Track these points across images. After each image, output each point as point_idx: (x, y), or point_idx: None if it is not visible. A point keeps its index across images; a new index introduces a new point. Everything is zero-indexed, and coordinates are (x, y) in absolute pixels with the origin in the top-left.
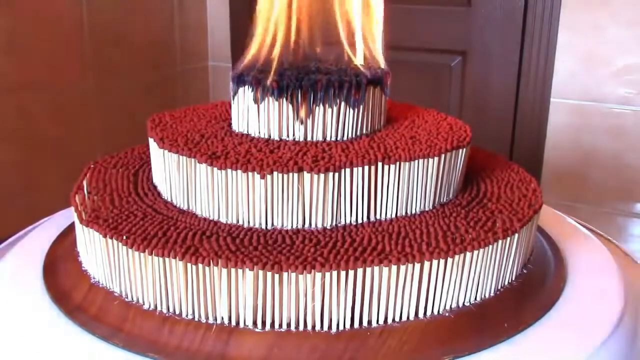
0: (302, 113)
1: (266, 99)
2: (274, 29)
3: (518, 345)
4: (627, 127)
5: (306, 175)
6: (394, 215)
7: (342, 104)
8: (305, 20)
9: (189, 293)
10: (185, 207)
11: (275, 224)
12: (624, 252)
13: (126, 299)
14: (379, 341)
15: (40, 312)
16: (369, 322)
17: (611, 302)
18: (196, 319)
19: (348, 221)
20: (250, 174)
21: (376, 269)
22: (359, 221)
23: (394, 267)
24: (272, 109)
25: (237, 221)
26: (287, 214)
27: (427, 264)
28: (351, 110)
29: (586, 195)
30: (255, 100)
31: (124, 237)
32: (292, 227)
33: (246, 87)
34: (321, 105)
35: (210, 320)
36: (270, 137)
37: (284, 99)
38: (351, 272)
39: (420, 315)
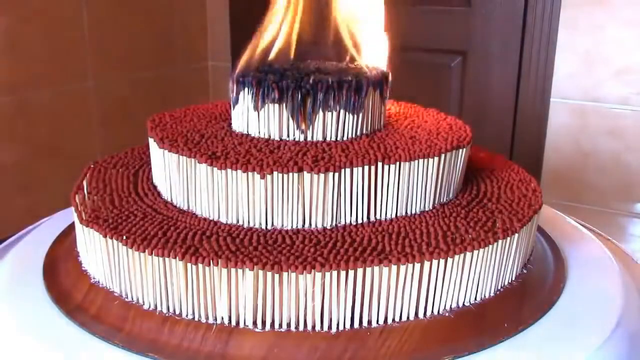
0: (303, 124)
1: (266, 104)
2: (275, 29)
3: (518, 345)
4: (626, 127)
5: (306, 175)
6: (394, 215)
7: (342, 110)
8: (306, 20)
9: (189, 293)
10: (185, 207)
11: (275, 224)
12: (624, 252)
13: (126, 299)
14: (379, 341)
15: (40, 312)
16: (369, 322)
17: (611, 302)
18: (196, 319)
19: (348, 221)
20: (250, 174)
21: (376, 269)
22: (359, 221)
23: (394, 267)
24: (272, 110)
25: (237, 221)
26: (287, 214)
27: (427, 264)
28: (351, 113)
29: (586, 195)
30: (256, 108)
31: (124, 237)
32: (292, 227)
33: (246, 89)
34: (321, 111)
35: (210, 320)
36: (270, 137)
37: (284, 104)
38: (351, 272)
39: (420, 315)
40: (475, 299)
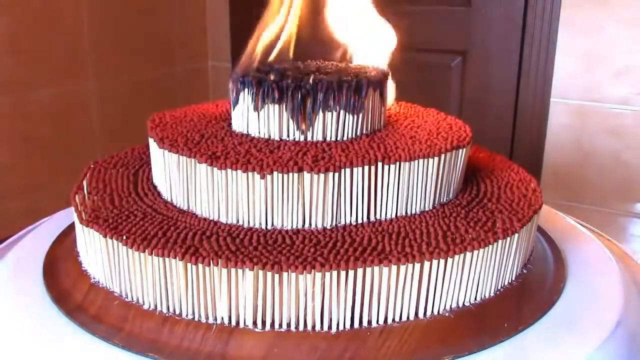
0: (303, 124)
1: (266, 104)
2: (275, 29)
3: (518, 345)
4: (626, 127)
5: (306, 175)
6: (394, 215)
7: (342, 110)
8: (306, 21)
9: (189, 293)
10: (185, 207)
11: (275, 224)
12: (624, 252)
13: (126, 299)
14: (379, 341)
15: (40, 312)
16: (369, 322)
17: (611, 302)
18: (196, 319)
19: (348, 221)
20: (250, 174)
21: (376, 269)
22: (359, 221)
23: (394, 267)
24: (272, 110)
25: (237, 221)
26: (287, 214)
27: (427, 264)
28: (351, 114)
29: (586, 195)
30: (256, 108)
31: (124, 237)
32: (292, 227)
33: (246, 89)
34: (321, 111)
35: (210, 320)
36: (270, 137)
37: (284, 104)
38: (351, 272)
39: (420, 315)
40: (475, 299)
